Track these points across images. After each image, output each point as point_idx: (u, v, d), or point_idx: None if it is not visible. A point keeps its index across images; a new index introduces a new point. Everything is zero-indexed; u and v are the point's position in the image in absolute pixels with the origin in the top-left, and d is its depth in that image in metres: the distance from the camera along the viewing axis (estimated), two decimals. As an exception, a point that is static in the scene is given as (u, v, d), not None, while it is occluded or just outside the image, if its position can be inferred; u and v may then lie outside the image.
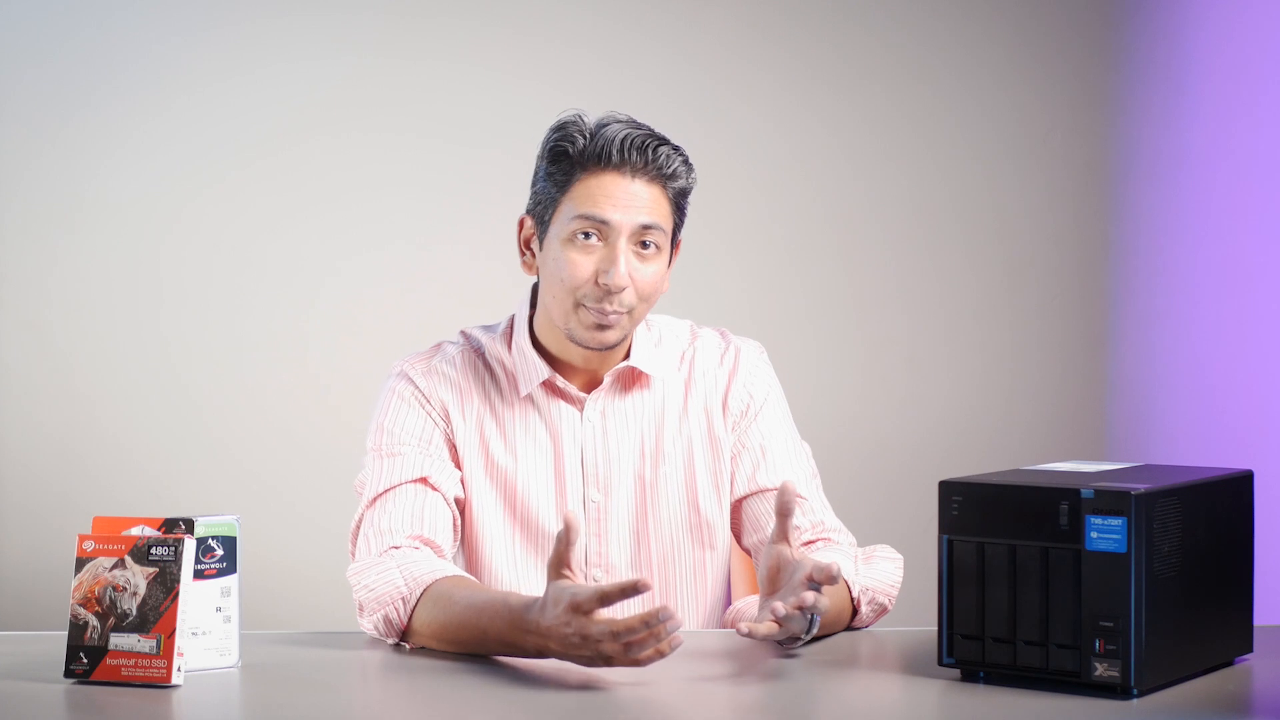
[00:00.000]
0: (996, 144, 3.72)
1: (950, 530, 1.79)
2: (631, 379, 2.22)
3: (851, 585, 2.10)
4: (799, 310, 3.68)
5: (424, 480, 2.14)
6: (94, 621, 1.80)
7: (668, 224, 2.14)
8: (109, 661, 1.79)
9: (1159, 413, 3.53)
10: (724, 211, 3.59)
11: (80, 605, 1.81)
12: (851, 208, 3.70)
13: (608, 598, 1.78)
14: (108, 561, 1.81)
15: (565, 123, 2.13)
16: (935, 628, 1.81)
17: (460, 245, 3.56)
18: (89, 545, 1.82)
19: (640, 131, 2.11)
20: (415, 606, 2.00)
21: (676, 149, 2.13)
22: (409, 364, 2.22)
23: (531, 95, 3.52)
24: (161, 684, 1.77)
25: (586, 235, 2.10)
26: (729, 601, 2.31)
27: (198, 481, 3.50)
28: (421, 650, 2.00)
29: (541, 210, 2.15)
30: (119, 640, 1.79)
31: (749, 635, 1.86)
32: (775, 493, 2.19)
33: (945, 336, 3.72)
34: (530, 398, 2.20)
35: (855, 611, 2.11)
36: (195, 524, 1.83)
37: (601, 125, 2.11)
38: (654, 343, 2.25)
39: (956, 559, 1.79)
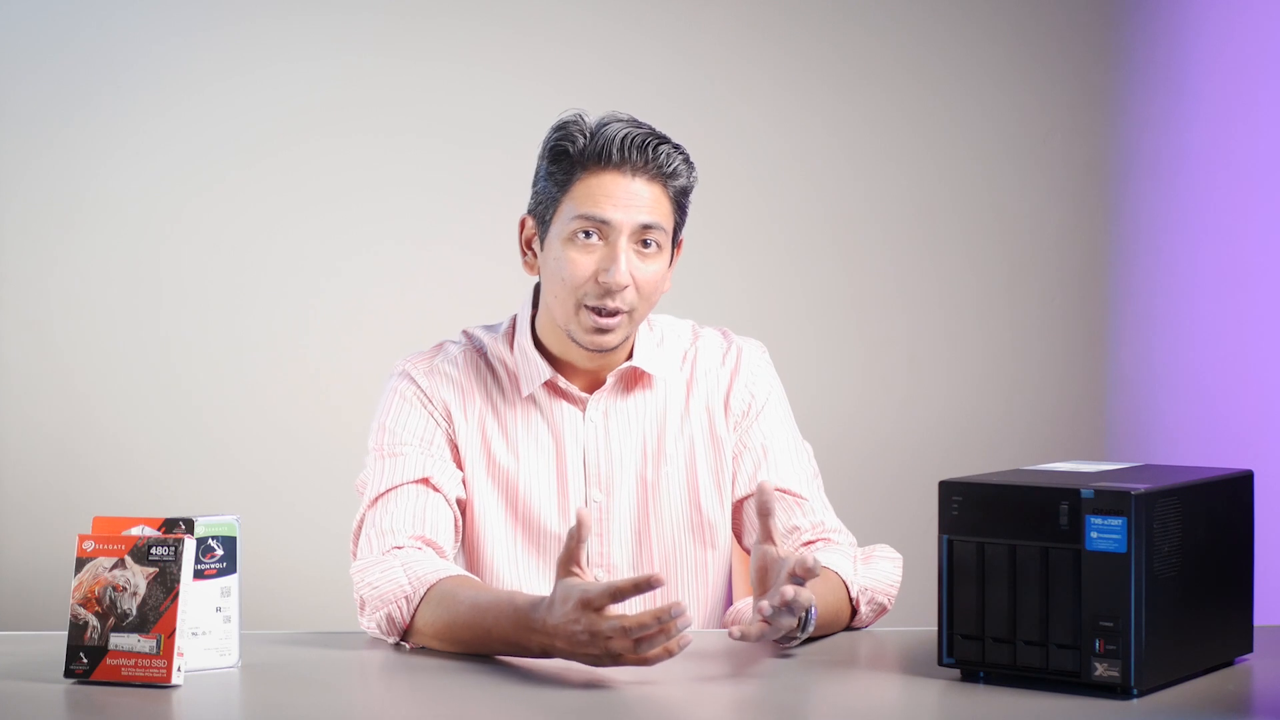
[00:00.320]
0: (996, 144, 3.72)
1: (950, 530, 1.79)
2: (634, 379, 2.22)
3: (850, 585, 2.10)
4: (799, 310, 3.68)
5: (426, 481, 2.14)
6: (94, 621, 1.80)
7: (668, 223, 2.14)
8: (109, 661, 1.79)
9: (1159, 413, 3.53)
10: (724, 211, 3.58)
11: (80, 605, 1.81)
12: (851, 208, 3.70)
13: (621, 593, 1.77)
14: (108, 561, 1.81)
15: (566, 122, 2.13)
16: (935, 628, 1.81)
17: (460, 245, 3.56)
18: (89, 545, 1.82)
19: (641, 130, 2.11)
20: (418, 605, 2.00)
21: (677, 147, 2.13)
22: (411, 363, 2.22)
23: (531, 95, 3.52)
24: (161, 684, 1.77)
25: (587, 235, 2.10)
26: (730, 601, 2.31)
27: (198, 481, 3.50)
28: (422, 650, 2.00)
29: (542, 210, 2.15)
30: (119, 640, 1.79)
31: (741, 639, 1.86)
32: (776, 492, 2.20)
33: (945, 336, 3.72)
34: (532, 398, 2.20)
35: (855, 611, 2.11)
36: (195, 524, 1.83)
37: (602, 124, 2.11)
38: (656, 342, 2.25)
39: (956, 559, 1.79)
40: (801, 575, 1.87)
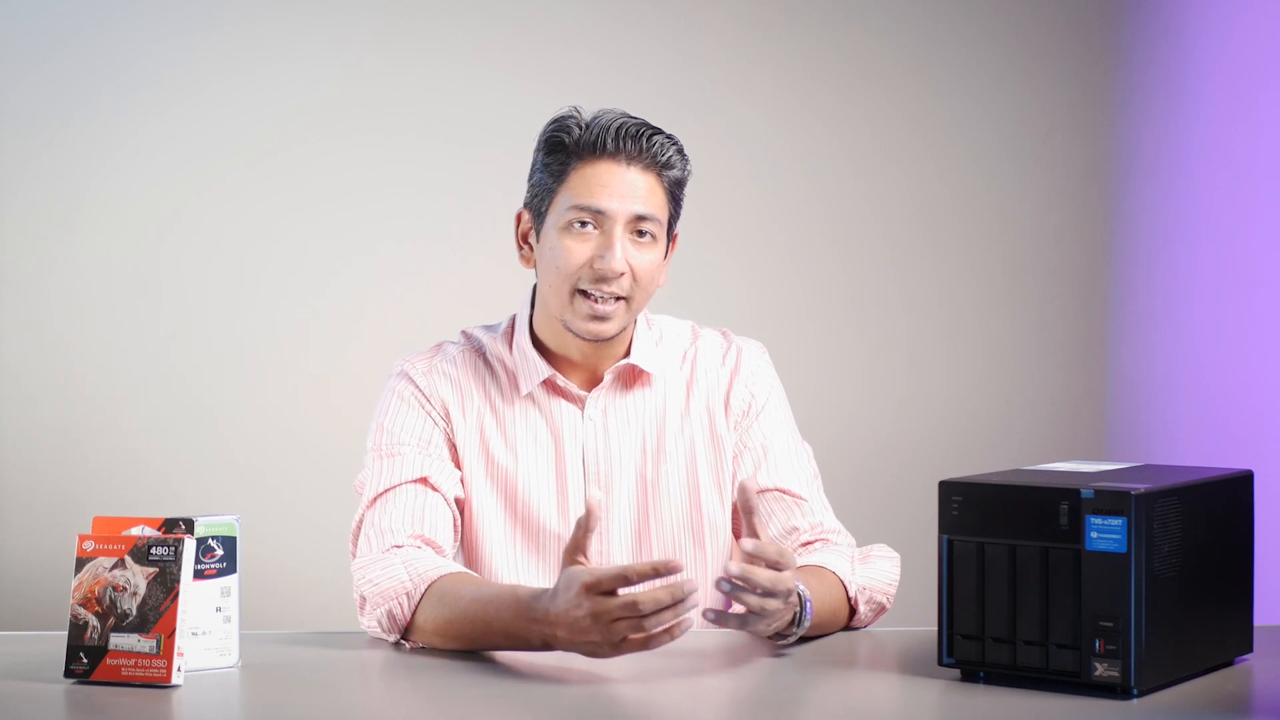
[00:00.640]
0: (996, 144, 3.72)
1: (950, 530, 1.79)
2: (633, 377, 2.22)
3: (849, 585, 2.10)
4: (799, 310, 3.68)
5: (424, 480, 2.14)
6: (94, 621, 1.80)
7: (663, 214, 2.14)
8: (109, 661, 1.79)
9: (1159, 413, 3.53)
10: (724, 211, 3.59)
11: (80, 605, 1.81)
12: (851, 208, 3.70)
13: (640, 575, 1.77)
14: (108, 561, 1.81)
15: (561, 116, 2.15)
16: (935, 628, 1.81)
17: (460, 245, 3.56)
18: (89, 545, 1.82)
19: (635, 121, 2.13)
20: (419, 602, 2.00)
21: (670, 138, 2.14)
22: (409, 363, 2.22)
23: (531, 95, 3.52)
24: (161, 684, 1.77)
25: (583, 224, 2.11)
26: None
27: (198, 481, 3.50)
28: (422, 650, 2.00)
29: (538, 202, 2.16)
30: (119, 640, 1.79)
31: (716, 621, 1.86)
32: (775, 493, 2.20)
33: (945, 336, 3.72)
34: (531, 397, 2.20)
35: (853, 611, 2.11)
36: (195, 524, 1.84)
37: (596, 117, 2.13)
38: (654, 341, 2.25)
39: (956, 559, 1.79)
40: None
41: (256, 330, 3.53)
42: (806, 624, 1.95)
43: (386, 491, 2.13)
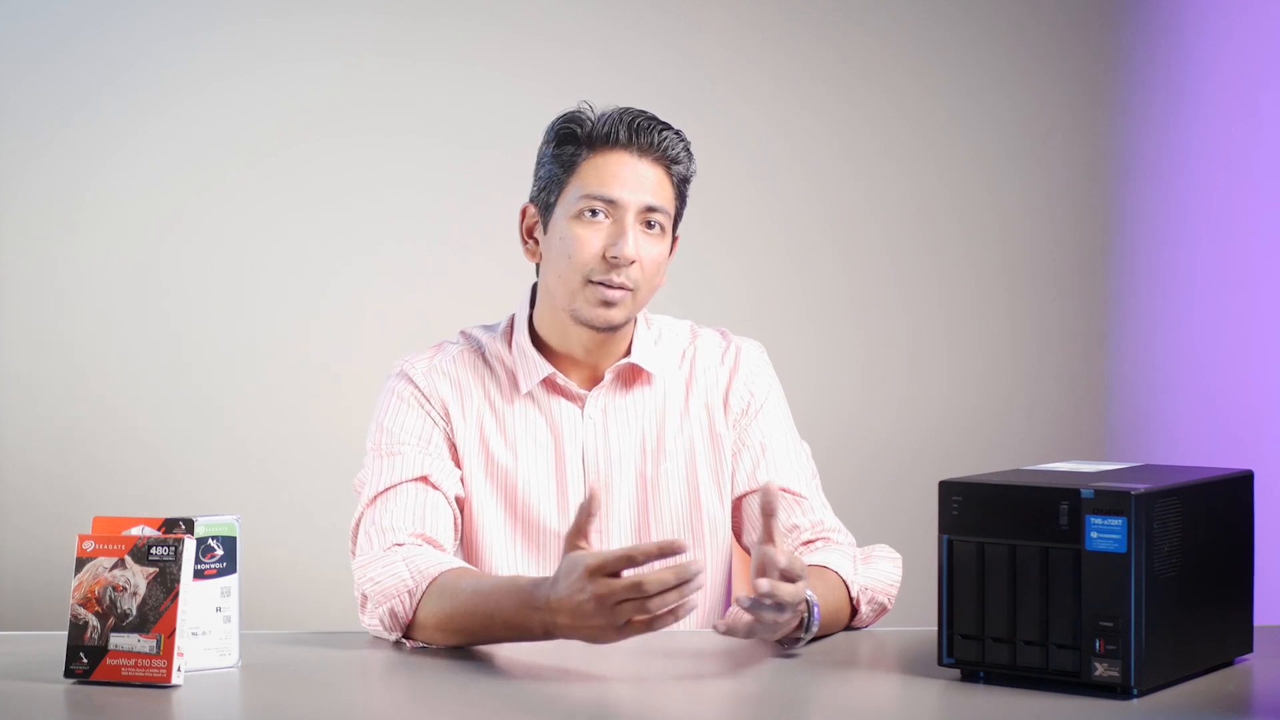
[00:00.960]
0: (996, 144, 3.72)
1: (950, 530, 1.79)
2: (632, 376, 2.23)
3: (850, 585, 2.10)
4: (799, 310, 3.68)
5: (424, 479, 2.14)
6: (94, 621, 1.80)
7: (671, 208, 2.16)
8: (109, 661, 1.79)
9: (1159, 413, 3.53)
10: (724, 211, 3.59)
11: (80, 605, 1.81)
12: (851, 208, 3.70)
13: (646, 556, 1.76)
14: (108, 561, 1.81)
15: (572, 110, 2.17)
16: (935, 628, 1.81)
17: (460, 245, 3.56)
18: (89, 545, 1.82)
19: (645, 115, 2.15)
20: (421, 598, 1.99)
21: (679, 134, 2.17)
22: (409, 363, 2.22)
23: (531, 95, 3.52)
24: (161, 684, 1.77)
25: (594, 213, 2.12)
26: (729, 601, 2.31)
27: (198, 481, 3.50)
28: (423, 650, 2.00)
29: (546, 194, 2.16)
30: (119, 640, 1.79)
31: (727, 633, 1.86)
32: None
33: (945, 336, 3.72)
34: (531, 395, 2.20)
35: (855, 611, 2.11)
36: (195, 524, 1.83)
37: (606, 110, 2.16)
38: (654, 340, 2.25)
39: (956, 559, 1.79)
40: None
41: (257, 330, 3.53)
42: (814, 629, 1.95)
43: (387, 490, 2.13)
